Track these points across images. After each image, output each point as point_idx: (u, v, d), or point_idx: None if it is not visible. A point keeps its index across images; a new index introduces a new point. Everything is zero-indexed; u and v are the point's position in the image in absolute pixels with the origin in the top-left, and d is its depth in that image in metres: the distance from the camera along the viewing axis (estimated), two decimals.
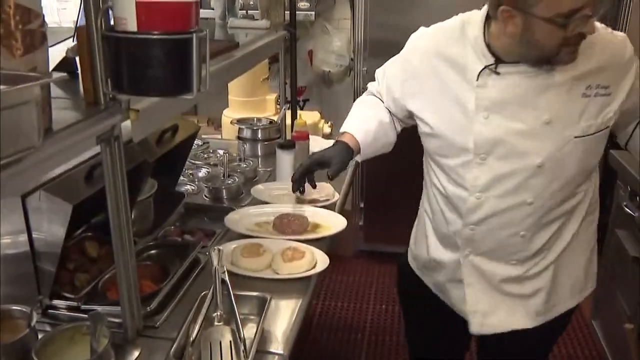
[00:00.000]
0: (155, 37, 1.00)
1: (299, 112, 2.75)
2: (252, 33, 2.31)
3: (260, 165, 2.35)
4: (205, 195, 2.10)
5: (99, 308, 1.31)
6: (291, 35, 2.48)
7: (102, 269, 1.49)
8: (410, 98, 1.51)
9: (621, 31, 1.48)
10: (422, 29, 1.54)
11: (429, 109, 1.46)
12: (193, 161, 2.41)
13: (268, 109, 2.99)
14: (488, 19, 1.36)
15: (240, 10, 2.56)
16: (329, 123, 3.09)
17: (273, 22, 2.38)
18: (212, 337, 1.30)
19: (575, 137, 1.33)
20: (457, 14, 1.48)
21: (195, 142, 2.49)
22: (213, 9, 2.65)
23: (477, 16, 1.40)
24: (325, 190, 2.01)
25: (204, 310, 1.32)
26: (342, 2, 3.45)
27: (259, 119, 2.65)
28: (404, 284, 1.83)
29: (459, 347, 1.82)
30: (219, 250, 1.37)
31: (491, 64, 1.35)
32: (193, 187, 2.16)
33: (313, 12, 3.07)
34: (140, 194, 1.69)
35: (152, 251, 1.62)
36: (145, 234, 1.75)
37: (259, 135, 2.50)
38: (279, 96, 2.87)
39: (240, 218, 1.84)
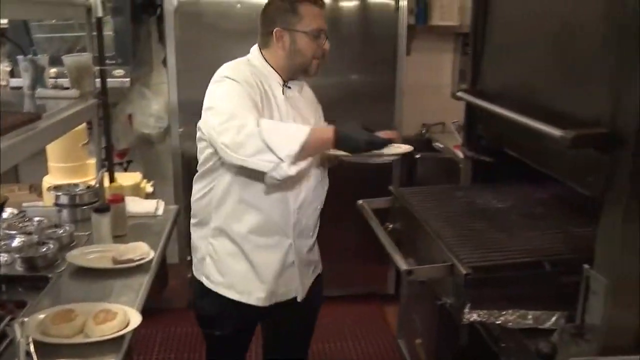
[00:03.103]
0: None
1: (118, 174, 2.82)
2: (63, 102, 2.37)
3: (78, 230, 2.38)
4: (19, 266, 2.09)
5: None
6: (103, 103, 2.58)
7: None
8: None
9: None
10: (226, 69, 1.79)
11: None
12: (7, 231, 2.38)
13: (89, 173, 3.01)
14: (260, 50, 1.85)
15: (50, 78, 2.61)
16: (151, 183, 3.18)
17: (83, 91, 2.46)
18: None
19: None
20: None
21: (10, 211, 2.47)
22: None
23: (251, 55, 1.87)
24: (140, 249, 2.12)
25: None
26: (159, 68, 3.62)
27: (76, 185, 2.69)
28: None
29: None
30: (22, 322, 1.41)
31: (284, 82, 1.85)
32: (6, 258, 2.14)
33: (128, 79, 3.19)
34: None
35: None
36: None
37: (77, 201, 2.54)
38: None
39: None
